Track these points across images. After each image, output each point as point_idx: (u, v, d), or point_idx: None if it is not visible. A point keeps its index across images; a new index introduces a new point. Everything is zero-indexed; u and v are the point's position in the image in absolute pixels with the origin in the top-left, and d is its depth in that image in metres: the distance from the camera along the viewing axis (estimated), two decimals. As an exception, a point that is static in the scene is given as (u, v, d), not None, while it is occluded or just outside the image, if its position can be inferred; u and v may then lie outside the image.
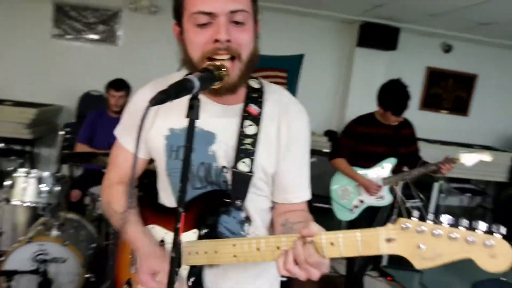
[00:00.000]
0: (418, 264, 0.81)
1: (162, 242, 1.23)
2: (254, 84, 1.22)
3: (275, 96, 1.22)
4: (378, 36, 5.65)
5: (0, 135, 4.82)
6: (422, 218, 0.81)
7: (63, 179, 3.17)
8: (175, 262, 0.97)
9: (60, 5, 5.39)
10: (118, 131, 1.33)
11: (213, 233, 1.17)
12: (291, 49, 5.91)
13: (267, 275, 1.30)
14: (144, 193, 1.37)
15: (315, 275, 0.91)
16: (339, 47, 6.16)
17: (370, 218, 3.13)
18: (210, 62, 0.99)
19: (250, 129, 1.16)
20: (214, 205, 1.18)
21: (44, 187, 2.95)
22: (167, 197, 1.26)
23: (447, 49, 5.96)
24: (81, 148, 3.75)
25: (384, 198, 3.14)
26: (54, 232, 2.69)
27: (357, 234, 0.87)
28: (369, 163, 3.13)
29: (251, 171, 1.15)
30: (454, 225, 0.78)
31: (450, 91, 6.56)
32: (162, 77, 1.29)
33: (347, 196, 3.19)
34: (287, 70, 5.99)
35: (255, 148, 1.15)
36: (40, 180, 2.96)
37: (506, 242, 0.74)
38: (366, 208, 3.15)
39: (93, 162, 3.38)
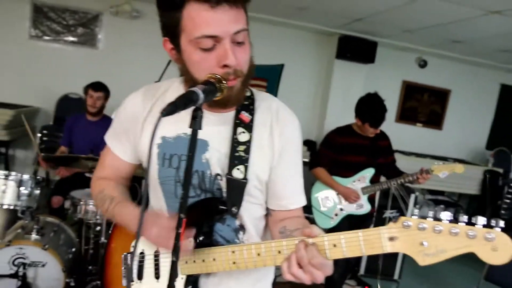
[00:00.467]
0: (421, 261, 0.83)
1: (157, 252, 1.23)
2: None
3: (265, 103, 1.24)
4: (357, 49, 5.81)
5: (-25, 136, 4.71)
6: (423, 217, 0.84)
7: (43, 182, 3.11)
8: (175, 266, 0.96)
9: (38, 5, 5.32)
10: (107, 135, 1.33)
11: (208, 241, 1.16)
12: (271, 59, 5.96)
13: (261, 285, 1.31)
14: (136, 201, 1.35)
15: (319, 277, 0.92)
16: (318, 59, 6.28)
17: (350, 226, 3.21)
18: (211, 75, 1.01)
19: (242, 136, 1.16)
20: (210, 212, 1.18)
21: (23, 190, 2.90)
22: (159, 205, 1.26)
23: (423, 64, 6.17)
24: (61, 149, 3.77)
25: (363, 207, 3.22)
26: (34, 236, 2.63)
27: (359, 234, 0.89)
28: (348, 173, 3.22)
29: (245, 178, 1.15)
30: (454, 221, 0.81)
31: (425, 105, 6.77)
32: (152, 84, 1.30)
33: (327, 204, 3.27)
34: (267, 79, 6.04)
35: (248, 155, 1.15)
36: (19, 183, 2.90)
37: (505, 235, 0.77)
38: (346, 216, 3.23)
39: (72, 166, 3.36)
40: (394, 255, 3.85)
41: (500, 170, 6.11)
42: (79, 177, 3.43)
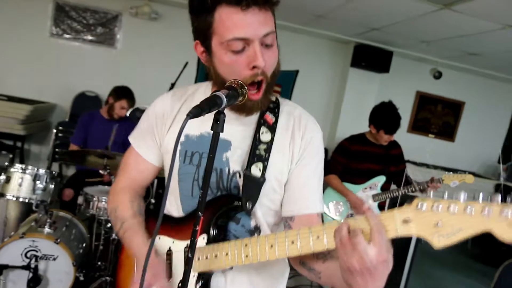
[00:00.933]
0: (436, 242, 0.80)
1: (169, 251, 1.24)
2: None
3: (289, 108, 1.26)
4: (372, 58, 5.80)
5: (-7, 129, 4.81)
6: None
7: (57, 177, 3.17)
8: (191, 263, 0.98)
9: (60, 4, 5.42)
10: (132, 136, 1.35)
11: (222, 238, 1.17)
12: (286, 65, 5.97)
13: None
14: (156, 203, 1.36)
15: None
16: (333, 66, 6.29)
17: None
18: (233, 80, 1.04)
19: (265, 136, 1.18)
20: (224, 208, 1.18)
21: (39, 184, 2.96)
22: (175, 204, 1.27)
23: (437, 75, 6.14)
24: (73, 149, 3.77)
25: (373, 215, 3.23)
26: (47, 230, 2.69)
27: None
28: (360, 180, 3.24)
29: (263, 177, 1.15)
30: (469, 200, 0.78)
31: (438, 116, 6.74)
32: (180, 87, 1.33)
33: (338, 210, 3.29)
34: (281, 84, 6.09)
35: (268, 155, 1.16)
36: (35, 177, 2.97)
37: None
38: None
39: (85, 164, 3.40)
40: (401, 264, 3.83)
41: (512, 185, 6.06)
42: (91, 174, 3.48)
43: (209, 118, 0.96)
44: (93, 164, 3.24)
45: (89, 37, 5.58)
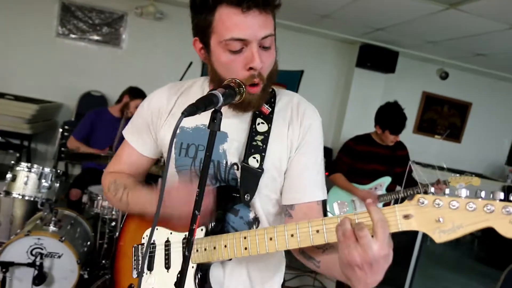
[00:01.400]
0: (437, 238, 0.81)
1: (167, 242, 1.25)
2: None
3: (286, 97, 1.27)
4: (377, 58, 5.79)
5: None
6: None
7: (62, 176, 3.19)
8: (188, 260, 0.98)
9: (66, 4, 5.45)
10: (126, 130, 1.36)
11: (220, 230, 1.17)
12: (291, 65, 6.01)
13: (273, 282, 1.31)
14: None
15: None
16: (338, 66, 6.28)
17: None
18: (231, 79, 1.05)
19: (261, 127, 1.19)
20: (222, 200, 1.18)
21: (44, 183, 2.98)
22: None
23: (444, 76, 6.11)
24: (73, 143, 3.71)
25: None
26: (52, 228, 2.70)
27: None
28: (365, 180, 3.24)
29: (260, 168, 1.16)
30: (471, 197, 0.79)
31: (445, 117, 6.70)
32: (176, 82, 1.34)
33: (343, 210, 3.29)
34: (286, 84, 6.08)
35: (265, 145, 1.17)
36: (40, 175, 2.99)
37: None
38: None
39: (90, 160, 3.42)
40: (406, 264, 3.82)
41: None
42: (97, 172, 3.49)
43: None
44: (98, 161, 3.26)
45: (95, 37, 5.61)
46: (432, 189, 0.86)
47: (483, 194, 0.78)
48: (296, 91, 6.04)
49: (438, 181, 3.04)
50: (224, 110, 1.13)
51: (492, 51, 5.16)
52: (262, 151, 1.17)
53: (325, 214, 3.50)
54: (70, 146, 3.70)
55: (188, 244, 0.97)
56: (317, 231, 0.95)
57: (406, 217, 0.84)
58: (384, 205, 3.24)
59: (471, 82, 6.59)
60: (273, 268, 1.30)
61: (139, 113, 1.33)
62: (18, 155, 5.00)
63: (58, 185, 3.14)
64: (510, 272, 2.83)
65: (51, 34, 5.46)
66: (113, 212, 3.07)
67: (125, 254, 1.38)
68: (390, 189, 3.25)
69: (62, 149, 4.65)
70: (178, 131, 1.20)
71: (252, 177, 1.16)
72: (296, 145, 1.20)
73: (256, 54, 1.05)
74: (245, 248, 1.07)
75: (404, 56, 5.96)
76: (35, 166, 3.00)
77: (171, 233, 1.25)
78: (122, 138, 1.40)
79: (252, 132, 1.18)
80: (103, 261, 3.17)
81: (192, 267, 1.17)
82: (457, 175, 3.10)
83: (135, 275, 1.32)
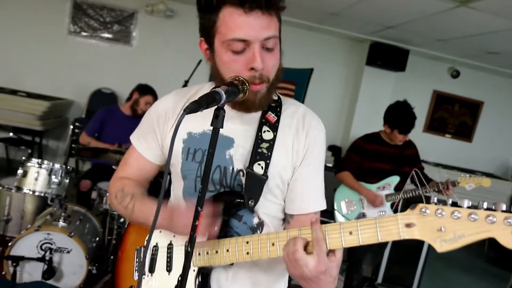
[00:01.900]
0: (439, 247, 0.82)
1: (170, 245, 1.26)
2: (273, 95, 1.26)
3: (292, 107, 1.27)
4: (388, 57, 5.75)
5: (12, 124, 4.92)
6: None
7: (72, 172, 3.23)
8: (190, 257, 0.99)
9: (78, 2, 5.51)
10: (133, 136, 1.36)
11: (223, 235, 1.17)
12: (301, 63, 6.00)
13: (278, 287, 1.31)
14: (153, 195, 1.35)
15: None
16: (348, 64, 6.26)
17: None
18: (234, 77, 1.05)
19: (267, 135, 1.19)
20: (226, 205, 1.18)
21: (54, 179, 3.02)
22: (177, 200, 1.28)
23: (455, 74, 6.05)
24: (84, 138, 3.75)
25: (385, 214, 3.21)
26: (61, 223, 2.74)
27: (376, 221, 0.89)
28: (373, 179, 3.22)
29: (265, 175, 1.16)
30: (473, 207, 0.79)
31: (455, 116, 6.64)
32: (183, 88, 1.35)
33: (351, 209, 3.28)
34: (296, 82, 6.08)
35: (271, 153, 1.17)
36: (51, 171, 3.03)
37: None
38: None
39: (100, 158, 3.45)
40: (414, 264, 3.80)
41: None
42: (107, 168, 3.53)
43: (211, 115, 0.96)
44: (107, 158, 3.29)
45: (106, 35, 5.66)
46: (435, 199, 0.86)
47: (485, 204, 0.79)
48: (305, 90, 6.07)
49: (447, 181, 3.01)
50: (230, 115, 1.16)
51: (504, 49, 5.08)
52: (267, 158, 1.17)
53: (331, 213, 3.47)
54: (82, 141, 3.74)
55: (190, 241, 0.98)
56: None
57: (408, 225, 0.86)
58: (392, 204, 3.22)
59: (483, 80, 6.51)
60: (278, 272, 1.30)
61: (146, 118, 1.34)
62: (29, 151, 5.07)
63: (68, 181, 3.19)
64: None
65: (62, 32, 5.52)
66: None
67: (127, 257, 1.39)
68: (398, 188, 3.23)
69: (73, 145, 4.69)
70: (185, 137, 1.22)
71: (256, 183, 1.17)
72: (302, 155, 1.21)
73: (257, 55, 1.05)
74: (247, 253, 1.08)
75: (414, 55, 5.92)
76: (46, 162, 3.05)
77: (174, 236, 1.25)
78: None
79: (258, 139, 1.18)
80: (112, 257, 3.20)
81: (194, 270, 1.18)
82: (467, 175, 3.06)
83: (136, 277, 1.32)
